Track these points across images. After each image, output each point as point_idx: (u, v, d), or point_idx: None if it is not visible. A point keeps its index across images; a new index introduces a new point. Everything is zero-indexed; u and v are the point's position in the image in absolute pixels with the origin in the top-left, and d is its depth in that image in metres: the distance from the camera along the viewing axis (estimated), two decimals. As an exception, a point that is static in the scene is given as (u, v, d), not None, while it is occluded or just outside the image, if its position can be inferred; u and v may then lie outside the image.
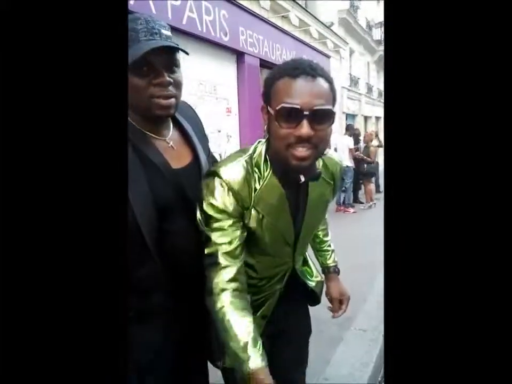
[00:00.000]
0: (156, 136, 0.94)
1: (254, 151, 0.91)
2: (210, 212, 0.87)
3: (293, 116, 0.78)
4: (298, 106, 0.77)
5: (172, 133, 0.99)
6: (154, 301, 0.92)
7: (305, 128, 0.77)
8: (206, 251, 0.89)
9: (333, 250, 1.28)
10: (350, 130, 7.35)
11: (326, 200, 1.03)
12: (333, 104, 0.83)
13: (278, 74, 0.83)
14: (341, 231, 4.70)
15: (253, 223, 0.90)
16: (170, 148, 0.96)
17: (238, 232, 0.89)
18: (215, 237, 0.87)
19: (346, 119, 14.14)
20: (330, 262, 1.26)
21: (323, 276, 1.24)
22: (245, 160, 0.89)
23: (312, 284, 1.13)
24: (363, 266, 3.62)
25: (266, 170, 0.89)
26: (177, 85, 0.91)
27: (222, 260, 0.87)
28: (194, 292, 0.96)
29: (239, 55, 6.26)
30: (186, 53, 0.91)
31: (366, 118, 17.22)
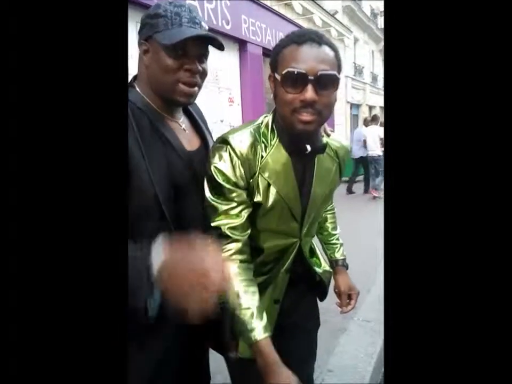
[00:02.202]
0: (170, 118, 0.96)
1: (261, 122, 0.94)
2: (219, 179, 0.88)
3: (298, 80, 0.81)
4: (303, 71, 0.80)
5: (183, 118, 1.01)
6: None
7: (309, 92, 0.80)
8: (212, 223, 0.89)
9: (341, 244, 1.27)
10: (377, 120, 7.39)
11: (333, 179, 1.03)
12: (338, 71, 0.85)
13: (285, 42, 0.86)
14: (346, 221, 4.67)
15: (259, 192, 0.91)
16: (183, 130, 0.99)
17: (245, 205, 0.90)
18: (222, 208, 0.88)
19: (350, 108, 14.05)
20: (338, 255, 1.24)
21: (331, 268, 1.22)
22: (253, 129, 0.92)
23: (319, 271, 1.12)
24: (368, 256, 3.60)
25: (273, 139, 0.92)
26: (203, 75, 0.94)
27: (229, 233, 0.88)
28: None
29: (241, 44, 6.20)
30: (222, 48, 0.93)
31: (370, 108, 17.11)
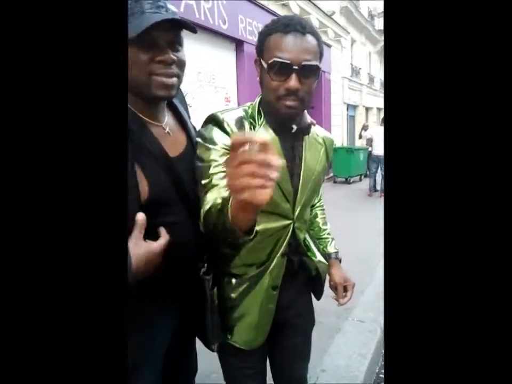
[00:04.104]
0: (152, 122, 0.89)
1: (248, 107, 1.00)
2: (207, 144, 0.90)
3: (283, 69, 0.87)
4: (288, 61, 0.86)
5: (167, 118, 0.94)
6: (150, 288, 0.88)
7: (293, 81, 0.86)
8: (203, 181, 0.87)
9: (332, 239, 1.28)
10: None
11: (321, 161, 1.06)
12: (320, 60, 0.92)
13: (270, 30, 0.90)
14: (342, 222, 4.68)
15: None
16: (167, 134, 0.91)
17: None
18: (212, 166, 0.87)
19: (347, 109, 14.07)
20: (331, 249, 1.25)
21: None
22: (242, 109, 0.98)
23: (315, 260, 1.13)
24: (362, 257, 3.61)
25: (260, 120, 0.97)
26: (181, 64, 0.86)
27: (218, 182, 0.84)
28: (190, 281, 0.95)
29: (238, 44, 6.19)
30: (194, 31, 0.86)
31: (367, 109, 17.16)
